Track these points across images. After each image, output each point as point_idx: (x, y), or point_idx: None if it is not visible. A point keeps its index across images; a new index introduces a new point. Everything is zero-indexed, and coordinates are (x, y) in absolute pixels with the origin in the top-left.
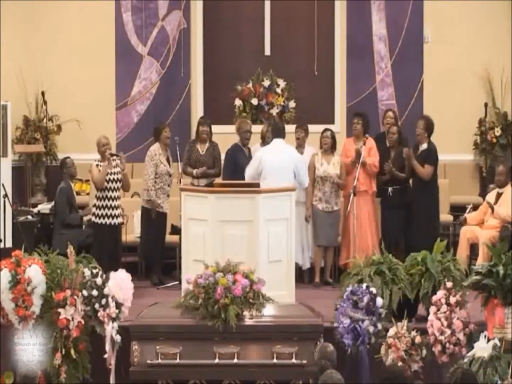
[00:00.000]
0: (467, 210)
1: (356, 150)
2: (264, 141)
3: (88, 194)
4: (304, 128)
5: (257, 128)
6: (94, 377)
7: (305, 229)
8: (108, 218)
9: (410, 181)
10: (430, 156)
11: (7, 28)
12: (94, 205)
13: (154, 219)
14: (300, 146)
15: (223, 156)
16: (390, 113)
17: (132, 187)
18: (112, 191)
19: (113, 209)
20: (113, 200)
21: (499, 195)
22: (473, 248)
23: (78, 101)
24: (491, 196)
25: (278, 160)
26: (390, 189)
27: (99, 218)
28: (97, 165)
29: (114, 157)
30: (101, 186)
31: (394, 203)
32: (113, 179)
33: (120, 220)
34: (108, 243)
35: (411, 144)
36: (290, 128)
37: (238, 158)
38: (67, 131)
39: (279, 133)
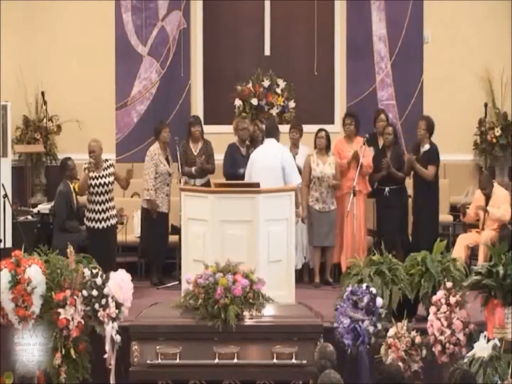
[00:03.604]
0: (467, 190)
1: (355, 153)
2: (252, 141)
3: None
4: (299, 129)
5: None
6: (94, 377)
7: (299, 229)
8: (97, 222)
9: (408, 181)
10: (433, 157)
11: (7, 28)
12: (85, 207)
13: (154, 219)
14: (294, 146)
15: (217, 156)
16: (383, 116)
17: (132, 187)
18: (99, 195)
19: (99, 213)
20: (99, 204)
21: (488, 197)
22: (473, 250)
23: (78, 101)
24: (479, 198)
25: (265, 160)
26: (387, 189)
27: (89, 221)
28: (85, 169)
29: (107, 161)
30: (82, 194)
31: (391, 203)
32: (100, 183)
33: (110, 222)
34: (99, 246)
35: (407, 145)
36: (286, 128)
37: (235, 156)
38: (67, 131)
39: (271, 133)
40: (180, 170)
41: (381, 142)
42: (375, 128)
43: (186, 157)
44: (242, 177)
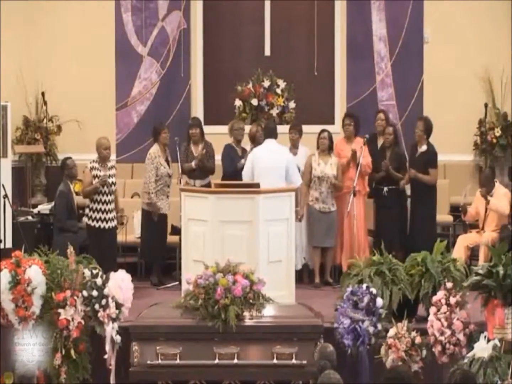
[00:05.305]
0: (465, 191)
1: (353, 153)
2: (254, 141)
3: None
4: (298, 129)
5: None
6: (94, 378)
7: (299, 230)
8: (103, 221)
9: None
10: (432, 159)
11: (7, 28)
12: (88, 206)
13: (154, 221)
14: (294, 147)
15: (217, 156)
16: (381, 115)
17: (132, 187)
18: (105, 195)
19: (106, 213)
20: (106, 204)
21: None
22: (473, 250)
23: (78, 102)
24: (480, 197)
25: (270, 160)
26: (385, 189)
27: (92, 221)
28: (92, 168)
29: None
30: (86, 198)
31: (389, 203)
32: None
33: (114, 223)
34: (102, 246)
35: (407, 146)
36: (286, 128)
37: (232, 156)
38: (67, 131)
39: (271, 134)
40: (180, 170)
41: (380, 143)
42: (376, 128)
43: (187, 159)
44: (241, 170)
